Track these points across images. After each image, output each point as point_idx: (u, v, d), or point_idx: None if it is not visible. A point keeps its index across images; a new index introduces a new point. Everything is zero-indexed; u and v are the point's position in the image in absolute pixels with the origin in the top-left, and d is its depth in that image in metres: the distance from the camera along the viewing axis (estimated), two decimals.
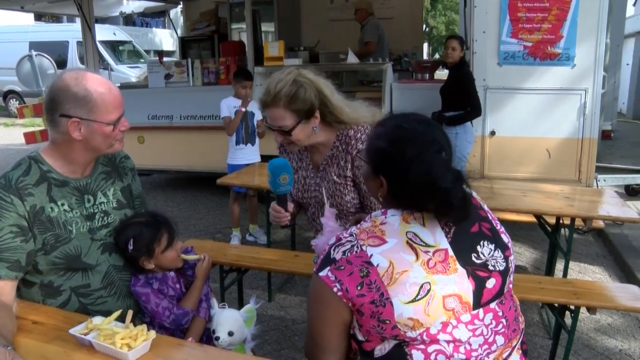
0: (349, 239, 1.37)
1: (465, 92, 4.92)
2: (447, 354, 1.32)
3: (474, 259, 1.38)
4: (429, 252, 1.34)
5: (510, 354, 1.42)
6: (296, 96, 1.91)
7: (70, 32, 14.68)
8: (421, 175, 1.31)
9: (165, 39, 20.21)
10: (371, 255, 1.32)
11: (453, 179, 1.32)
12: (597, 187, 5.46)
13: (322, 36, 8.04)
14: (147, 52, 17.53)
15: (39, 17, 17.88)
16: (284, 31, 8.07)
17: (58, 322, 1.69)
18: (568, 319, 3.02)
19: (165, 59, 8.39)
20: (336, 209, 2.07)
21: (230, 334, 1.92)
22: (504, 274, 1.41)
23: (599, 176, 5.56)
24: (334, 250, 1.37)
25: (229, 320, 1.95)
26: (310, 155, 2.16)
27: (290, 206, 2.08)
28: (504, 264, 1.42)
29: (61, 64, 13.81)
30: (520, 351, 1.47)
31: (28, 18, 17.69)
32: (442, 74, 7.32)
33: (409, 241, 1.34)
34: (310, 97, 1.93)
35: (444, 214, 1.35)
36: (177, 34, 10.33)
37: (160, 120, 6.77)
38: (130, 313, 1.58)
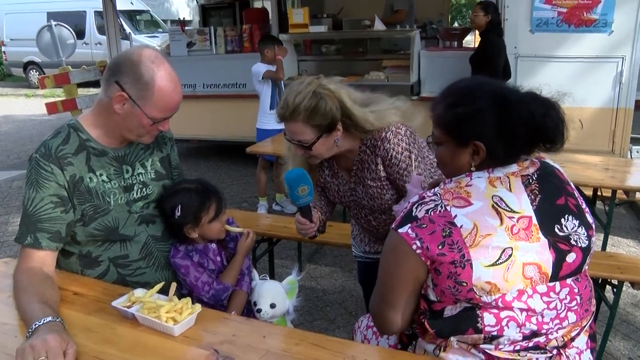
0: (432, 198, 1.34)
1: (487, 59, 4.75)
2: (519, 322, 1.30)
3: (557, 230, 1.33)
4: (513, 217, 1.30)
5: (578, 334, 1.38)
6: (316, 110, 1.78)
7: (87, 1, 14.55)
8: (519, 116, 1.30)
9: (182, 8, 19.99)
10: (455, 215, 1.29)
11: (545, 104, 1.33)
12: (631, 158, 5.31)
13: (346, 3, 7.84)
14: (165, 21, 17.35)
15: None
16: None
17: (98, 293, 1.65)
18: (607, 293, 2.94)
19: (187, 27, 8.26)
20: (377, 208, 2.00)
21: (272, 306, 1.86)
22: (585, 251, 1.36)
23: (633, 147, 5.40)
24: (416, 208, 1.34)
25: (271, 292, 1.89)
26: (336, 162, 2.06)
27: (316, 216, 1.99)
28: (587, 242, 1.37)
29: (79, 34, 13.72)
30: (588, 333, 1.42)
31: None
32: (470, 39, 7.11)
33: (495, 205, 1.31)
34: (331, 111, 1.80)
35: (553, 141, 1.34)
36: (197, 1, 10.16)
37: (183, 89, 6.66)
38: (173, 286, 1.53)
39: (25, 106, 13.37)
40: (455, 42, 5.52)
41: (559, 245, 1.32)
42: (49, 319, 1.39)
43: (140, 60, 1.62)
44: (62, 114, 6.13)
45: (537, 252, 1.29)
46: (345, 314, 3.32)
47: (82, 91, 7.04)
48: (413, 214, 1.33)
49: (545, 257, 1.30)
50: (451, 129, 1.39)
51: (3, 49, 16.29)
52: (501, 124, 1.32)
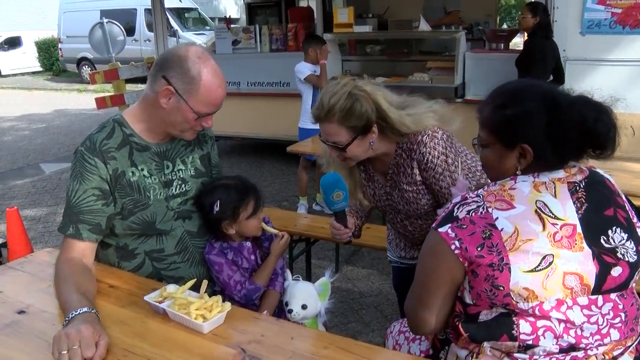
0: (475, 199, 1.32)
1: (533, 62, 4.60)
2: (556, 333, 1.25)
3: (602, 241, 1.28)
4: (556, 224, 1.26)
5: (621, 354, 1.32)
6: (351, 111, 1.75)
7: None
8: (571, 118, 1.26)
9: (230, 6, 20.25)
10: (496, 218, 1.27)
11: (597, 108, 1.29)
12: None
13: (391, 3, 7.76)
14: (212, 19, 17.61)
15: None
16: None
17: (132, 287, 1.68)
18: None
19: (232, 25, 8.35)
20: (413, 212, 1.97)
21: (304, 307, 1.85)
22: (633, 266, 1.30)
23: None
24: (457, 208, 1.32)
25: (303, 293, 1.87)
26: (372, 165, 2.04)
27: (351, 221, 1.98)
28: (635, 257, 1.30)
29: (130, 30, 14.10)
30: (634, 356, 1.36)
31: None
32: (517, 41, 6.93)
33: (538, 210, 1.27)
34: (366, 112, 1.77)
35: (603, 147, 1.30)
36: (243, 0, 10.27)
37: (228, 87, 6.66)
38: (205, 283, 1.53)
39: (77, 101, 13.81)
40: (502, 44, 5.38)
41: (604, 258, 1.27)
42: (85, 309, 1.42)
43: (187, 55, 1.66)
44: (111, 108, 6.29)
45: (579, 262, 1.25)
46: (380, 318, 3.28)
47: (130, 87, 7.22)
48: (454, 214, 1.32)
49: (588, 268, 1.25)
50: (498, 131, 1.36)
51: (60, 45, 16.87)
52: (550, 127, 1.28)
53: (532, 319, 1.26)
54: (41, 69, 20.22)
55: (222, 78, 1.72)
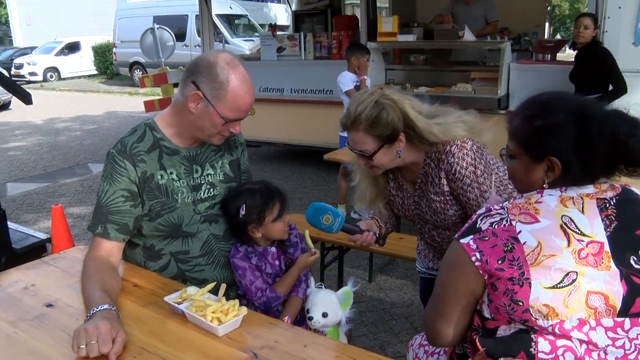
0: (499, 211, 1.29)
1: (602, 71, 4.42)
2: (577, 354, 1.21)
3: (632, 262, 1.22)
4: (582, 241, 1.22)
5: None
6: (378, 120, 1.76)
7: (189, 6, 15.25)
8: (601, 133, 1.22)
9: (280, 13, 20.50)
10: (520, 231, 1.24)
11: (631, 123, 1.25)
12: None
13: (438, 12, 7.69)
14: (262, 26, 17.87)
15: None
16: (399, 6, 7.82)
17: (155, 287, 1.71)
18: None
19: (278, 32, 8.46)
20: (441, 223, 1.95)
21: (324, 315, 1.84)
22: None
23: None
24: (481, 219, 1.30)
25: (324, 301, 1.87)
26: (401, 174, 2.02)
27: (364, 224, 2.02)
28: None
29: (180, 36, 14.47)
30: None
31: None
32: (563, 55, 6.75)
33: (563, 225, 1.23)
34: (393, 121, 1.76)
35: (636, 163, 1.26)
36: (290, 8, 10.38)
37: (272, 93, 6.83)
38: (223, 287, 1.55)
39: (128, 103, 14.24)
40: (549, 55, 5.24)
41: (633, 279, 1.21)
42: (106, 306, 1.46)
43: (217, 61, 1.69)
44: (159, 111, 6.44)
45: (605, 282, 1.19)
46: (410, 329, 3.24)
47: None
48: (477, 225, 1.29)
49: (614, 289, 1.20)
50: (527, 142, 1.32)
51: (114, 50, 17.45)
52: (580, 140, 1.24)
53: (551, 337, 1.22)
54: (96, 72, 21.00)
55: (250, 85, 1.75)
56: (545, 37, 10.89)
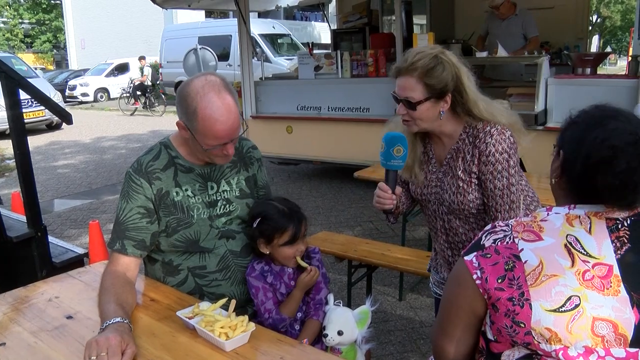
0: (503, 228, 1.27)
1: None
2: None
3: None
4: (588, 262, 1.17)
5: None
6: (432, 71, 1.78)
7: (233, 26, 15.50)
8: (598, 144, 1.17)
9: (324, 32, 20.71)
10: (522, 249, 1.21)
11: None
12: None
13: (477, 28, 7.63)
14: (305, 45, 18.10)
15: (209, 13, 19.26)
16: (436, 23, 7.79)
17: (171, 302, 1.74)
18: None
19: (319, 51, 8.54)
20: (457, 206, 1.92)
21: (340, 333, 1.83)
22: None
23: None
24: (485, 236, 1.28)
25: (340, 320, 1.86)
26: (433, 147, 2.01)
27: (398, 189, 1.93)
28: None
29: (225, 56, 14.79)
30: None
31: (199, 15, 19.17)
32: (614, 69, 6.56)
33: (568, 245, 1.19)
34: (446, 78, 1.79)
35: (620, 197, 1.17)
36: (330, 27, 10.49)
37: (309, 111, 6.88)
38: (233, 303, 1.56)
39: (171, 122, 14.53)
40: (589, 69, 5.11)
41: None
42: (118, 319, 1.50)
43: (188, 91, 1.71)
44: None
45: (614, 308, 1.14)
46: None
47: None
48: (481, 242, 1.27)
49: (624, 316, 1.14)
50: (559, 144, 1.30)
51: (160, 70, 17.96)
52: (588, 159, 1.19)
53: None
54: None
55: (223, 109, 1.69)
56: (594, 50, 10.64)
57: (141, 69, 17.66)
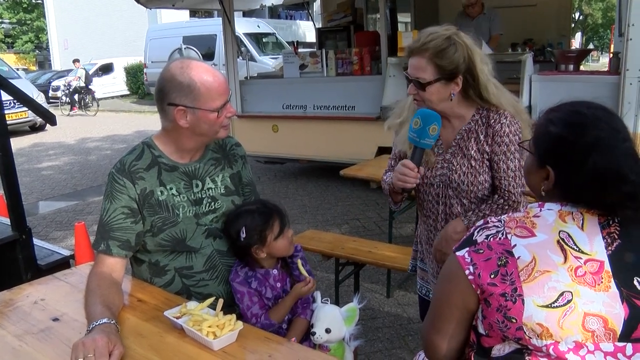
0: (496, 224, 1.28)
1: None
2: None
3: (636, 283, 1.17)
4: (580, 258, 1.18)
5: None
6: (444, 52, 1.79)
7: (217, 26, 15.45)
8: (603, 165, 1.18)
9: (308, 31, 20.69)
10: (514, 245, 1.22)
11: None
12: None
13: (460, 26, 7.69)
14: (290, 43, 18.06)
15: (193, 13, 19.17)
16: (421, 21, 7.84)
17: (159, 302, 1.73)
18: None
19: (304, 49, 8.53)
20: (465, 187, 1.93)
21: (328, 330, 1.84)
22: None
23: None
24: (478, 232, 1.28)
25: (328, 317, 1.87)
26: (440, 130, 1.97)
27: (422, 169, 1.88)
28: None
29: (210, 55, 14.72)
30: None
31: (183, 15, 19.08)
32: (597, 65, 6.64)
33: (560, 241, 1.20)
34: (458, 59, 1.80)
35: (624, 209, 1.19)
36: (314, 25, 10.48)
37: (295, 110, 6.89)
38: (220, 302, 1.56)
39: (156, 122, 14.42)
40: (572, 65, 5.16)
41: (635, 301, 1.16)
42: (105, 320, 1.49)
43: (172, 73, 1.76)
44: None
45: (604, 304, 1.15)
46: None
47: None
48: (473, 237, 1.28)
49: (614, 312, 1.15)
50: (537, 143, 1.31)
51: (145, 70, 17.86)
52: (582, 164, 1.20)
53: (545, 359, 1.18)
54: (128, 93, 21.52)
55: (210, 68, 1.81)
56: (577, 47, 10.76)
57: (75, 72, 18.28)
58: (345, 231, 5.36)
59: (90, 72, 21.53)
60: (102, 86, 21.57)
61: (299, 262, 1.93)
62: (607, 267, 1.17)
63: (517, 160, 1.87)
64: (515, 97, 1.96)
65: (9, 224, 3.08)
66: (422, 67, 1.82)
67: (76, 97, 17.84)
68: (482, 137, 1.90)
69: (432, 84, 1.82)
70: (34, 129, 13.88)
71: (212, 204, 1.91)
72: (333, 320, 1.86)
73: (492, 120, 1.88)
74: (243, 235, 1.84)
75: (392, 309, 3.67)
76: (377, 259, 3.22)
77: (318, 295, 1.99)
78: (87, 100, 17.98)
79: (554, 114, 1.29)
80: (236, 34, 7.41)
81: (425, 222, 2.12)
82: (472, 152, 1.92)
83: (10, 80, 3.41)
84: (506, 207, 1.90)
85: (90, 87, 18.29)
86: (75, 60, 18.62)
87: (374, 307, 3.67)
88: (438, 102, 1.87)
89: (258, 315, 1.82)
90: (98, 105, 18.11)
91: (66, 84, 18.07)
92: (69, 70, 22.52)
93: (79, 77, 17.82)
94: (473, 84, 1.85)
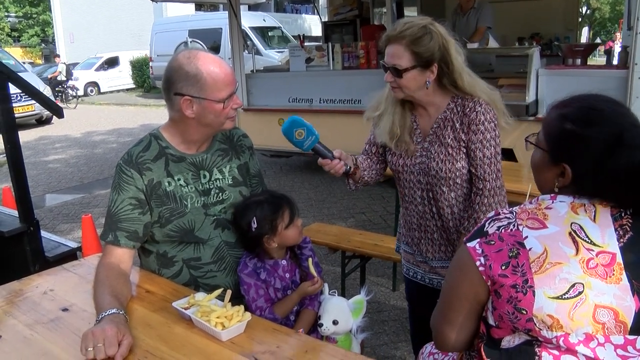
0: (507, 215, 1.27)
1: None
2: None
3: None
4: (592, 250, 1.18)
5: None
6: (420, 40, 1.84)
7: (223, 19, 15.45)
8: (626, 162, 1.17)
9: (314, 24, 20.65)
10: (526, 237, 1.21)
11: None
12: None
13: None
14: (296, 37, 18.03)
15: (198, 6, 19.14)
16: (427, 14, 7.70)
17: (167, 293, 1.75)
18: None
19: (310, 43, 8.52)
20: (444, 174, 1.97)
21: (335, 322, 1.85)
22: None
23: None
24: (489, 223, 1.28)
25: (335, 309, 1.87)
26: (417, 119, 2.06)
27: (337, 152, 1.99)
28: None
29: (215, 49, 14.69)
30: None
31: (189, 8, 19.06)
32: (601, 59, 6.61)
33: (572, 233, 1.20)
34: (433, 48, 1.85)
35: None
36: (320, 19, 10.46)
37: (300, 104, 6.88)
38: (229, 293, 1.57)
39: (163, 116, 14.48)
40: (579, 60, 5.13)
41: None
42: (114, 311, 1.50)
43: (179, 63, 1.77)
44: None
45: (615, 296, 1.15)
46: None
47: None
48: (484, 229, 1.27)
49: (625, 304, 1.15)
50: (551, 140, 1.28)
51: (150, 64, 17.87)
52: (602, 162, 1.19)
53: (556, 352, 1.18)
54: (134, 86, 21.55)
55: (218, 58, 1.82)
56: (584, 41, 10.70)
57: (56, 66, 18.95)
58: (351, 224, 5.36)
59: (96, 66, 21.62)
60: (108, 79, 21.62)
61: (310, 261, 1.93)
62: (619, 259, 1.17)
63: (492, 148, 1.92)
64: (491, 87, 2.00)
65: (17, 216, 3.10)
66: (399, 55, 1.87)
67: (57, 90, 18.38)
68: (457, 125, 1.95)
69: (409, 70, 1.87)
70: (41, 122, 13.93)
71: (220, 194, 1.92)
72: (340, 312, 1.87)
73: (468, 109, 1.92)
74: (254, 225, 1.84)
75: (397, 302, 3.67)
76: (383, 252, 3.23)
77: (326, 287, 1.99)
78: (67, 93, 18.51)
79: (566, 110, 1.27)
80: (242, 27, 7.39)
81: (407, 208, 2.17)
82: (449, 140, 1.96)
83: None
84: (485, 193, 1.95)
85: (71, 80, 18.96)
86: (56, 56, 19.41)
87: (379, 300, 3.68)
88: (415, 89, 1.92)
89: (262, 309, 1.82)
90: (78, 99, 18.63)
91: (49, 79, 18.36)
92: (75, 64, 22.64)
93: (60, 72, 18.36)
94: (447, 72, 1.89)
